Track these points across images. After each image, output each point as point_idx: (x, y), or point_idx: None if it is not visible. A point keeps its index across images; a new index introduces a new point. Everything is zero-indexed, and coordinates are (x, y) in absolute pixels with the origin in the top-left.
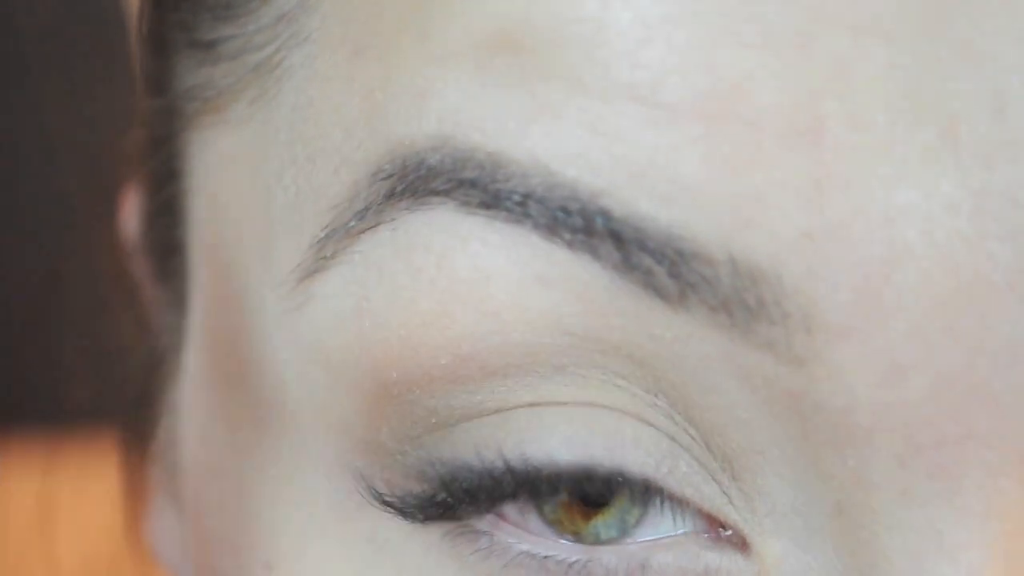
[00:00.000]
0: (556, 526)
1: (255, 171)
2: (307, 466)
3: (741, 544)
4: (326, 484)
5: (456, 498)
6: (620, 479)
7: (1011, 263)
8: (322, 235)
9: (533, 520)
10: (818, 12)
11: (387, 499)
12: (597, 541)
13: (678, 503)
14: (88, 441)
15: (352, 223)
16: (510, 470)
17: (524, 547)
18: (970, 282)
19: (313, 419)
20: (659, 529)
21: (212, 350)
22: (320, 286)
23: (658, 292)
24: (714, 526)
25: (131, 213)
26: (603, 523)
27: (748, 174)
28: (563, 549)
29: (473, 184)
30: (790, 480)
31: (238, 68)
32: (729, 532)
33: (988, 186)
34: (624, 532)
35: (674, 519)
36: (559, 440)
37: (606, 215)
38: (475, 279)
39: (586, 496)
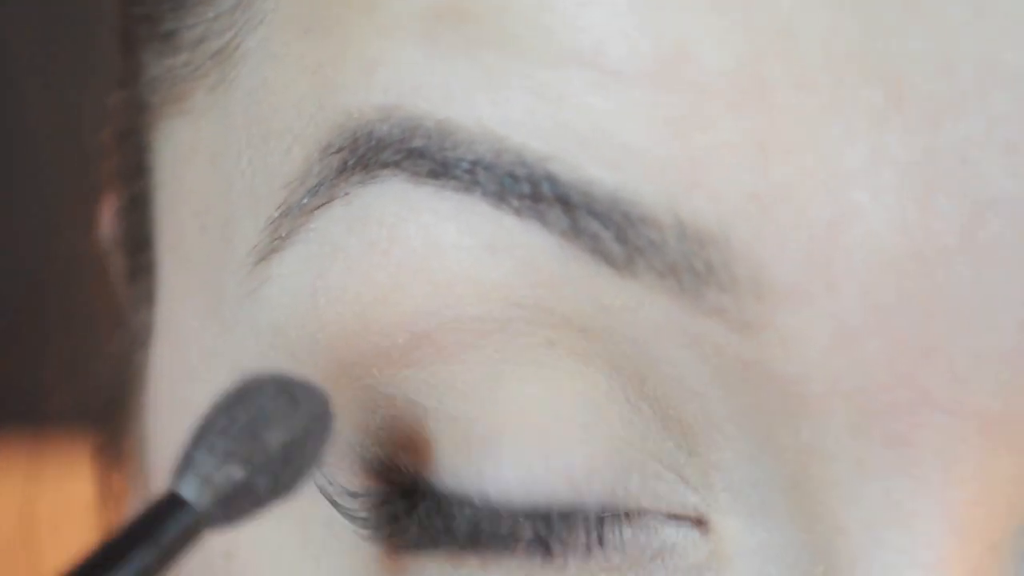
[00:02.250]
0: None
1: (216, 159)
2: None
3: (698, 521)
4: None
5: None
6: (577, 513)
7: (962, 223)
8: (277, 215)
9: None
10: None
11: (348, 491)
12: None
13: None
14: (72, 444)
15: (305, 200)
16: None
17: None
18: (921, 243)
19: None
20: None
21: (176, 344)
22: (276, 266)
23: (606, 258)
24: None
25: (108, 213)
26: None
27: (693, 137)
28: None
29: (422, 153)
30: (746, 454)
31: (198, 56)
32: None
33: (937, 145)
34: None
35: None
36: (514, 477)
37: (553, 180)
38: (427, 250)
39: None
